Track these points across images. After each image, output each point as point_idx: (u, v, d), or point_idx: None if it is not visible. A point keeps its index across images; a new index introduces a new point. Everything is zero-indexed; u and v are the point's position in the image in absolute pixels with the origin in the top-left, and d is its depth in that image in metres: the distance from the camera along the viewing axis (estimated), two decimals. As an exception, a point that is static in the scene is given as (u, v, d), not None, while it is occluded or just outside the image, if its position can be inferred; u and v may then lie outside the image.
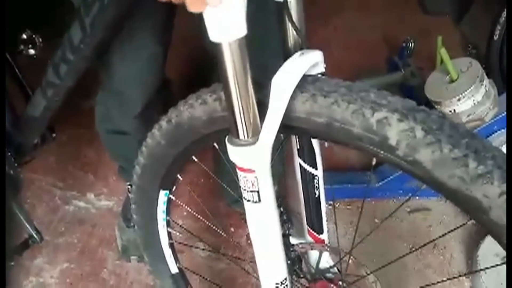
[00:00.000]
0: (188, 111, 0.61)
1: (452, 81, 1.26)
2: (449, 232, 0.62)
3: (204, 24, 0.45)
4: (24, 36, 0.98)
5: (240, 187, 0.56)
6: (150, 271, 0.93)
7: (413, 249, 1.24)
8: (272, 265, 0.63)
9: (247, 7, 0.45)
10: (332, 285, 0.76)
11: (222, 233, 1.12)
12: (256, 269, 0.65)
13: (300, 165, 0.68)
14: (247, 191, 0.56)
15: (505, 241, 0.41)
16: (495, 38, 1.46)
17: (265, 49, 0.71)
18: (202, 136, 0.63)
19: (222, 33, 0.45)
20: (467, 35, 1.89)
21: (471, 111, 1.24)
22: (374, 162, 0.51)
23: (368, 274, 0.79)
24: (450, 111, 1.25)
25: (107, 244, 1.34)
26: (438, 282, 1.12)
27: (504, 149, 1.20)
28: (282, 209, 0.73)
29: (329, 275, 0.77)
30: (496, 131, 1.25)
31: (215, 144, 0.68)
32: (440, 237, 1.15)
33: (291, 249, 0.77)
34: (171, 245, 0.87)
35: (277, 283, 0.64)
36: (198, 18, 0.45)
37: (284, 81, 0.50)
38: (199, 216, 1.01)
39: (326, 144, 0.63)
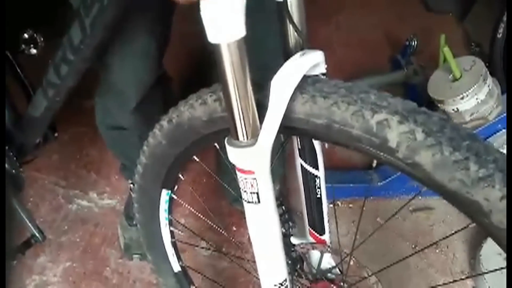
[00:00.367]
0: (188, 111, 0.61)
1: (455, 79, 1.25)
2: (452, 234, 0.61)
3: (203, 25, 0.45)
4: (26, 36, 0.98)
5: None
6: (153, 269, 0.93)
7: (416, 249, 1.24)
8: (272, 266, 0.63)
9: (246, 8, 0.45)
10: (333, 286, 0.76)
11: (224, 232, 1.12)
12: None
13: (301, 165, 0.67)
14: (247, 192, 0.55)
15: (506, 245, 0.41)
16: (499, 36, 1.45)
17: (264, 49, 0.70)
18: (202, 136, 0.63)
19: (220, 34, 0.45)
20: (470, 33, 1.87)
21: (474, 110, 1.23)
22: (375, 162, 0.51)
23: (370, 275, 0.79)
24: (453, 110, 1.25)
25: (109, 242, 1.34)
26: (444, 284, 1.11)
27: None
28: (283, 209, 0.73)
29: (330, 275, 0.77)
30: (499, 130, 1.23)
31: (215, 144, 0.68)
32: (443, 238, 1.15)
33: (292, 249, 0.76)
34: (174, 244, 0.88)
35: (276, 284, 0.64)
36: (198, 17, 0.44)
37: (284, 82, 0.50)
38: (200, 215, 1.01)
39: (326, 145, 0.63)
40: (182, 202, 0.89)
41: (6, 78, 0.99)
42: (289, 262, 0.76)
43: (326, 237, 0.75)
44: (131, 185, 1.29)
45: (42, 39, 0.99)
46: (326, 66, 0.56)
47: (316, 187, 0.69)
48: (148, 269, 1.26)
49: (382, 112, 0.46)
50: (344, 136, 0.48)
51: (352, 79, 1.38)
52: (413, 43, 1.60)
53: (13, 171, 1.00)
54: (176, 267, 0.91)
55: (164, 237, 0.85)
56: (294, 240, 0.77)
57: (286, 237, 0.75)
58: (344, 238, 1.21)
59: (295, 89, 0.50)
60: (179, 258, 0.90)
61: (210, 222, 1.04)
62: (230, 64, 0.47)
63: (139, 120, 1.04)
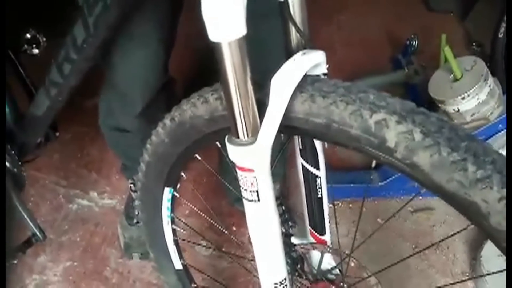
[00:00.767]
0: (190, 110, 0.61)
1: (456, 79, 1.25)
2: (452, 235, 0.61)
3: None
4: (28, 36, 0.98)
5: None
6: (154, 267, 0.93)
7: (416, 249, 1.23)
8: (272, 265, 0.63)
9: (247, 7, 0.45)
10: (333, 287, 0.76)
11: (225, 232, 1.13)
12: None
13: (302, 165, 0.67)
14: (247, 191, 0.56)
15: (505, 247, 0.41)
16: (500, 36, 1.44)
17: (266, 49, 0.70)
18: (204, 135, 0.63)
19: (221, 32, 0.45)
20: (471, 33, 1.87)
21: (475, 110, 1.23)
22: (374, 163, 0.51)
23: (370, 276, 0.79)
24: (454, 110, 1.25)
25: (109, 242, 1.34)
26: (445, 285, 1.11)
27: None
28: (283, 208, 0.73)
29: (330, 276, 0.77)
30: (500, 130, 1.23)
31: (217, 143, 0.68)
32: (444, 239, 1.15)
33: (293, 249, 0.77)
34: (176, 242, 0.88)
35: (276, 283, 0.64)
36: (201, 17, 0.45)
37: (284, 81, 0.50)
38: (202, 214, 1.01)
39: (326, 144, 0.63)
40: (183, 201, 0.89)
41: (8, 78, 0.99)
42: (290, 262, 0.76)
43: (326, 237, 0.75)
44: (131, 185, 1.30)
45: (44, 39, 0.99)
46: (327, 66, 0.56)
47: (317, 187, 0.69)
48: (148, 269, 1.26)
49: (380, 112, 0.46)
50: (343, 135, 0.48)
51: (353, 78, 1.38)
52: (414, 43, 1.60)
53: (15, 170, 1.00)
54: (178, 265, 0.91)
55: (166, 235, 0.85)
56: (294, 240, 0.77)
57: (286, 236, 0.75)
58: (344, 238, 1.20)
59: (295, 88, 0.50)
60: (181, 256, 0.91)
61: (210, 221, 1.04)
62: (231, 63, 0.47)
63: (143, 124, 1.03)
